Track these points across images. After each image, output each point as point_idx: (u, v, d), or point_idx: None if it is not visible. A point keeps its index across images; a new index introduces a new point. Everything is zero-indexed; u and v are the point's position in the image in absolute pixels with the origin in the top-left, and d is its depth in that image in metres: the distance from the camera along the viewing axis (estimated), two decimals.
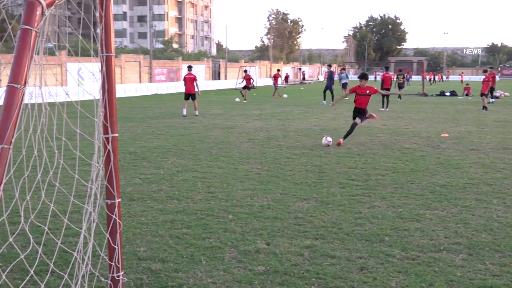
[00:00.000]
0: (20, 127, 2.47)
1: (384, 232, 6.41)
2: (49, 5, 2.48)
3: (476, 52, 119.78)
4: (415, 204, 7.77)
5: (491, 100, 32.04)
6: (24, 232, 5.15)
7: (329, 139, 13.77)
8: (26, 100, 2.46)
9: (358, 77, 14.65)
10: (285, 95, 40.01)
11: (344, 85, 37.60)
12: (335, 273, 5.12)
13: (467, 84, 47.61)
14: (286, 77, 61.94)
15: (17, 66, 2.32)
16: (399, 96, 36.03)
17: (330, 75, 32.11)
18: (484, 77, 28.76)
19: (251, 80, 36.78)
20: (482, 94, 27.50)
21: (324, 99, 31.57)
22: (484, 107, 26.69)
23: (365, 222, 6.84)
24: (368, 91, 14.01)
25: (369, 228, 6.56)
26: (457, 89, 47.87)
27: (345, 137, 13.87)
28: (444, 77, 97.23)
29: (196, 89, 22.94)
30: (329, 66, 36.92)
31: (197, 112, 22.96)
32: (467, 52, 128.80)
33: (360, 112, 14.13)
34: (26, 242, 5.52)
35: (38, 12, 2.40)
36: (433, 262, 5.42)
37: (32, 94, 2.76)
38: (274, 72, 54.50)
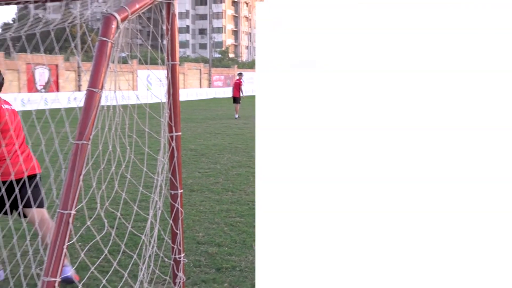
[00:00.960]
0: (97, 126, 2.53)
1: None
2: (123, 20, 2.54)
3: None
4: None
5: None
6: (100, 217, 5.30)
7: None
8: (103, 102, 2.52)
9: None
10: None
11: None
12: None
13: None
14: None
15: (95, 73, 2.39)
16: None
17: None
18: None
19: None
20: None
21: None
22: None
23: None
24: None
25: None
26: None
27: None
28: None
29: (241, 94, 22.96)
30: None
31: (236, 115, 22.72)
32: None
33: None
34: (101, 225, 5.67)
35: (114, 26, 2.46)
36: None
37: (108, 97, 2.83)
38: None
